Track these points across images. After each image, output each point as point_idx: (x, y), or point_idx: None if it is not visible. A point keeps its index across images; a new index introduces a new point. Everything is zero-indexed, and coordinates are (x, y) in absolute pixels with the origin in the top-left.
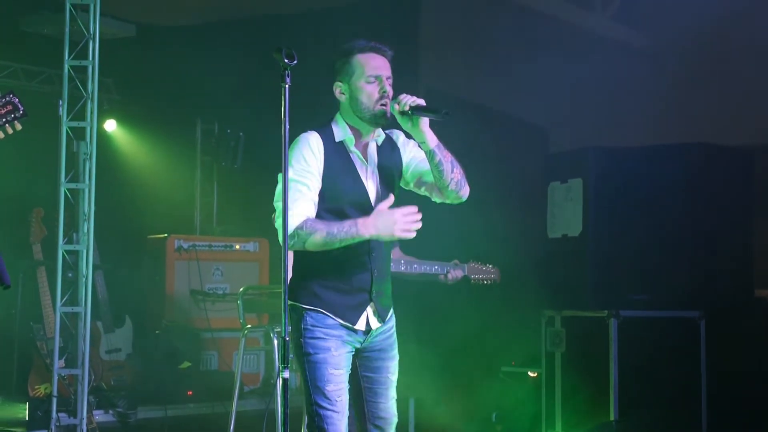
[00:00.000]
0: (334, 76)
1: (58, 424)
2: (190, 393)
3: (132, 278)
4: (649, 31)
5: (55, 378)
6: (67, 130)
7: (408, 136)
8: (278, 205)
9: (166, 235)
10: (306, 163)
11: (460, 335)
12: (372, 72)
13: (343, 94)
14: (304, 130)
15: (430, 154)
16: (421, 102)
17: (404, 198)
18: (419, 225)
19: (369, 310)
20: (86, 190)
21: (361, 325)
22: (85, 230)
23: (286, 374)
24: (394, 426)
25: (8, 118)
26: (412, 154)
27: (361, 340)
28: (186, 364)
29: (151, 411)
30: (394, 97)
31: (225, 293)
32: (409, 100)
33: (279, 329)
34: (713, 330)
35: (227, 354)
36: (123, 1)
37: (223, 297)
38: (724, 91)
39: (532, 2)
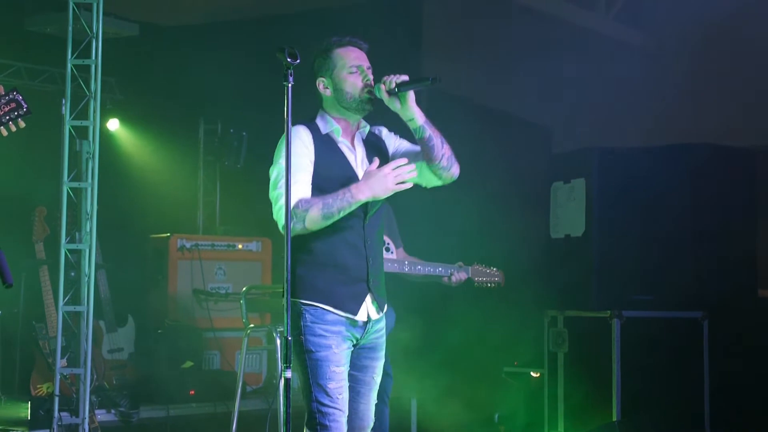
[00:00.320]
0: (316, 73)
1: (60, 423)
2: (193, 392)
3: (134, 277)
4: (652, 32)
5: (57, 377)
6: (69, 129)
7: (396, 132)
8: (275, 193)
9: (168, 234)
10: (297, 151)
11: (463, 335)
12: (353, 62)
13: (326, 88)
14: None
15: (419, 131)
16: (405, 77)
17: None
18: (414, 174)
19: (368, 300)
20: (89, 189)
21: (362, 316)
22: (88, 229)
23: (289, 374)
24: (369, 430)
25: (12, 116)
26: (397, 144)
27: (359, 335)
28: (188, 364)
29: (153, 410)
30: (376, 83)
31: (227, 293)
32: (393, 78)
33: (281, 329)
34: (716, 330)
35: (230, 353)
36: (126, 0)
37: (226, 296)
38: (727, 91)
39: (534, 3)
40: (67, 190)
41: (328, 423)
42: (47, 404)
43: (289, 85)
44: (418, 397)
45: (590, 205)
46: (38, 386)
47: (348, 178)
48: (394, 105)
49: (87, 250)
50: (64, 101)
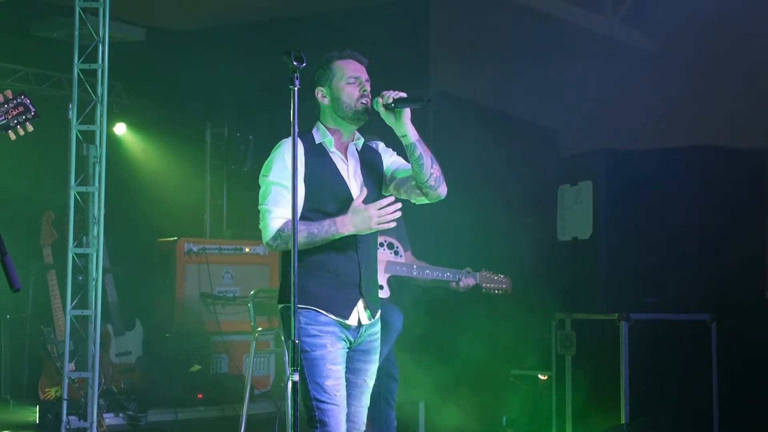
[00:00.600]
0: (315, 83)
1: (68, 427)
2: (201, 396)
3: (142, 281)
4: (660, 34)
5: (66, 381)
6: (76, 134)
7: (391, 146)
8: (262, 207)
9: (176, 238)
10: (286, 165)
11: (470, 338)
12: (352, 74)
13: (324, 97)
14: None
15: (411, 147)
16: (403, 94)
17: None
18: (397, 215)
19: (360, 305)
20: (96, 194)
21: (353, 320)
22: (95, 233)
23: (296, 377)
24: None
25: (20, 120)
26: (392, 159)
27: (353, 338)
28: (196, 367)
29: (161, 414)
30: (375, 96)
31: (235, 296)
32: (392, 94)
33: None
34: (724, 332)
35: (237, 357)
36: (132, 4)
37: (233, 300)
38: (734, 93)
39: (541, 6)
40: (75, 195)
41: (327, 419)
42: (56, 408)
43: (296, 88)
44: (426, 401)
45: (597, 207)
46: (46, 390)
47: (339, 188)
48: (390, 119)
49: (94, 254)
50: (71, 106)
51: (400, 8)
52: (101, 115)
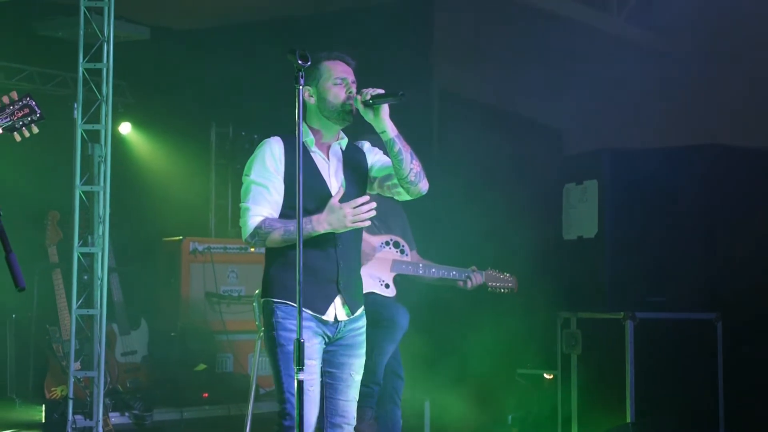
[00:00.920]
0: (305, 83)
1: (74, 426)
2: (206, 395)
3: (147, 281)
4: (664, 32)
5: (71, 380)
6: (81, 133)
7: (373, 142)
8: (242, 205)
9: (180, 237)
10: (266, 166)
11: (476, 337)
12: (339, 75)
13: (311, 96)
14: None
15: (390, 143)
16: (380, 91)
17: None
18: (371, 213)
19: (337, 301)
20: (101, 193)
21: (329, 316)
22: (100, 233)
23: (302, 376)
24: (352, 429)
25: (25, 121)
26: (376, 158)
27: (331, 333)
28: (201, 367)
29: (166, 413)
30: (358, 93)
31: (240, 295)
32: (369, 91)
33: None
34: (730, 331)
35: (242, 356)
36: (137, 4)
37: (238, 299)
38: (738, 91)
39: (546, 4)
40: (80, 194)
41: (295, 413)
42: (61, 407)
43: (300, 87)
44: (431, 399)
45: (603, 206)
46: (52, 389)
47: (318, 187)
48: (369, 116)
49: (99, 254)
50: (75, 105)
51: (404, 7)
52: (106, 115)
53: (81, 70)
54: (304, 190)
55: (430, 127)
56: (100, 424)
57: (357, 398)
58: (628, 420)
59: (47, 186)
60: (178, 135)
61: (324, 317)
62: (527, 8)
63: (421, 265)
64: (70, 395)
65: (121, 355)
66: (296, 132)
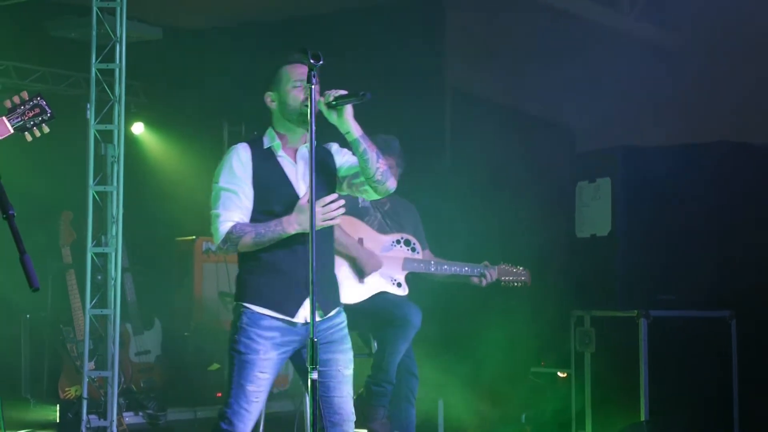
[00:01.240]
0: (265, 89)
1: (88, 426)
2: (219, 395)
3: (160, 280)
4: (676, 30)
5: (85, 380)
6: (94, 133)
7: (341, 142)
8: (212, 212)
9: (194, 237)
10: (234, 172)
11: (489, 335)
12: (298, 77)
13: (273, 102)
14: (330, 129)
15: (355, 143)
16: (343, 92)
17: None
18: (341, 211)
19: (307, 304)
20: (114, 193)
21: (300, 318)
22: (114, 233)
23: (315, 375)
24: (352, 424)
25: (36, 121)
26: (344, 159)
27: (302, 335)
28: (215, 366)
29: (180, 413)
30: (322, 95)
31: None
32: (332, 92)
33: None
34: (744, 329)
35: None
36: (149, 4)
37: None
38: (751, 89)
39: (556, 3)
40: (93, 194)
41: (235, 421)
42: (75, 407)
43: (313, 86)
44: (445, 398)
45: (615, 204)
46: (66, 389)
47: (286, 191)
48: (333, 117)
49: (113, 254)
50: (88, 105)
51: (416, 7)
52: (119, 115)
53: (94, 70)
54: (273, 195)
55: (442, 127)
56: (114, 423)
57: (351, 394)
58: (642, 418)
59: (60, 186)
60: (191, 134)
61: (293, 319)
62: (539, 7)
63: (432, 262)
64: (85, 395)
65: (134, 355)
66: (311, 130)
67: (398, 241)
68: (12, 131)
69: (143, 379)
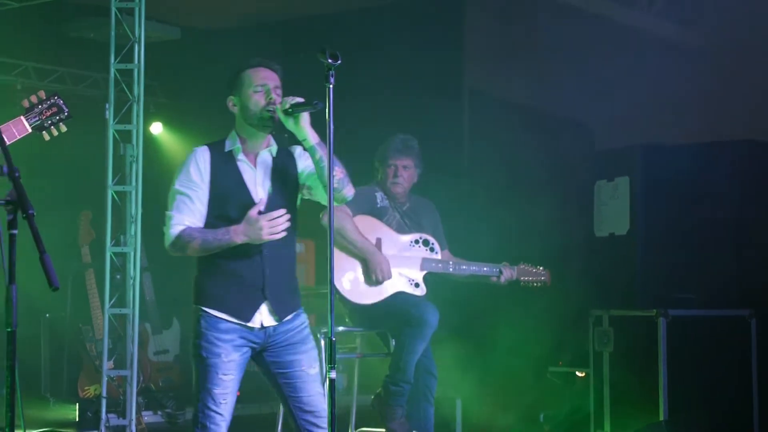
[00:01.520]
0: (227, 92)
1: (107, 424)
2: (238, 394)
3: (179, 280)
4: (695, 27)
5: (105, 379)
6: (113, 133)
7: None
8: (167, 213)
9: None
10: (189, 176)
11: (507, 335)
12: (259, 82)
13: (235, 106)
14: (349, 129)
15: (311, 150)
16: (300, 99)
17: None
18: (286, 225)
19: (263, 308)
20: (133, 193)
21: (255, 323)
22: (132, 232)
23: (334, 374)
24: (325, 421)
25: (54, 120)
26: (306, 163)
27: (260, 339)
28: None
29: None
30: (280, 101)
31: None
32: (289, 100)
33: (326, 330)
34: (764, 328)
35: None
36: (167, 4)
37: None
38: None
39: (574, 1)
40: (112, 194)
41: (208, 424)
42: (95, 406)
43: (330, 86)
44: (463, 397)
45: (634, 202)
46: (86, 388)
47: (242, 196)
48: (290, 124)
49: (132, 253)
50: (107, 106)
51: (435, 7)
52: (138, 115)
53: (112, 70)
54: (229, 199)
55: (461, 126)
56: (133, 422)
57: (321, 391)
58: (661, 418)
59: (80, 186)
60: (209, 134)
61: (249, 324)
62: (557, 6)
63: (451, 262)
64: (104, 394)
65: (153, 354)
66: (329, 130)
67: (417, 241)
68: (30, 130)
69: (162, 378)
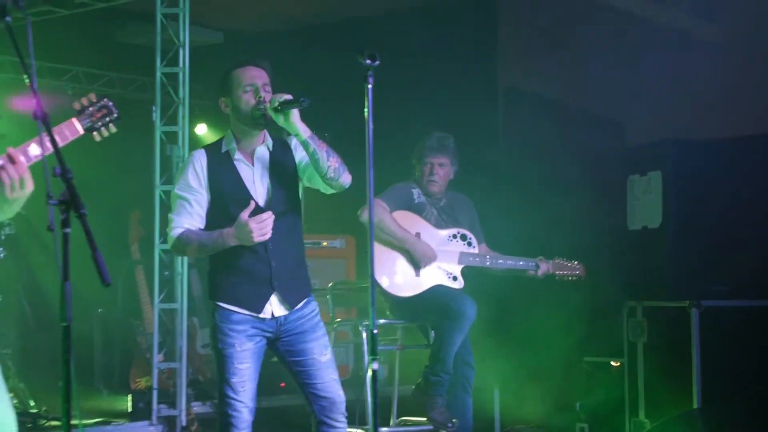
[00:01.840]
0: (219, 94)
1: (159, 415)
2: (283, 385)
3: None
4: (724, 23)
5: (155, 371)
6: (160, 135)
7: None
8: (169, 216)
9: None
10: (188, 180)
11: (543, 326)
12: (248, 81)
13: (227, 107)
14: (386, 128)
15: (305, 144)
16: (288, 97)
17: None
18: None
19: (273, 299)
20: None
21: (266, 314)
22: None
23: (375, 365)
24: (342, 406)
25: (104, 121)
26: (303, 154)
27: (272, 328)
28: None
29: None
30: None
31: (314, 288)
32: (277, 97)
33: (367, 323)
34: None
35: None
36: (211, 9)
37: (313, 292)
38: None
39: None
40: (160, 194)
41: (230, 412)
42: (146, 397)
43: (369, 86)
44: (501, 387)
45: (666, 196)
46: (137, 380)
47: (242, 194)
48: (281, 120)
49: None
50: (154, 108)
51: (469, 7)
52: (183, 117)
53: (159, 74)
54: (229, 199)
55: (496, 122)
56: (183, 412)
57: (336, 377)
58: (695, 406)
59: (129, 187)
60: None
61: (261, 315)
62: (589, 3)
63: (488, 256)
64: (155, 386)
65: (201, 347)
66: (368, 129)
67: (455, 236)
68: (82, 132)
69: (210, 370)
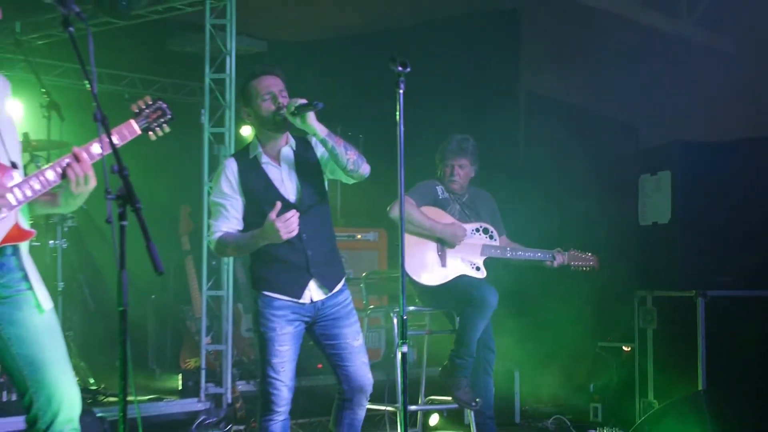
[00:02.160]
0: (240, 105)
1: (206, 392)
2: (320, 366)
3: None
4: (731, 33)
5: (203, 353)
6: (208, 136)
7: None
8: (208, 221)
9: None
10: (221, 188)
11: (560, 314)
12: (266, 90)
13: (249, 116)
14: (417, 129)
15: (323, 142)
16: (303, 101)
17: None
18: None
19: (312, 285)
20: None
21: (306, 299)
22: None
23: (405, 348)
24: (369, 388)
25: (159, 122)
26: (322, 150)
27: (311, 313)
28: None
29: None
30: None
31: (349, 277)
32: (293, 102)
33: (397, 309)
34: None
35: None
36: (256, 20)
37: (348, 281)
38: None
39: (621, 11)
40: (207, 190)
41: (271, 390)
42: (195, 376)
43: (401, 91)
44: (521, 370)
45: (675, 194)
46: (187, 361)
47: (274, 195)
48: (297, 122)
49: None
50: (203, 111)
51: (493, 18)
52: (230, 119)
53: (207, 80)
54: (262, 201)
55: (517, 127)
56: (229, 390)
57: (366, 361)
58: (700, 388)
59: (180, 183)
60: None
61: (300, 300)
62: (606, 15)
63: (509, 248)
64: (203, 366)
65: (245, 331)
66: (399, 132)
67: (477, 230)
68: (140, 132)
69: (253, 352)
